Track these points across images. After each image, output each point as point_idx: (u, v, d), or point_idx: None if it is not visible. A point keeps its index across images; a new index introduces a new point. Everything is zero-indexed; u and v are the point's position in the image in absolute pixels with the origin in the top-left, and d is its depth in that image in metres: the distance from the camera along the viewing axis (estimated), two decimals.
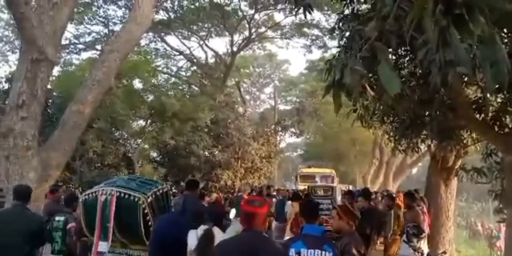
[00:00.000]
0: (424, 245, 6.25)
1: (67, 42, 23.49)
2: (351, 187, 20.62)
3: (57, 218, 5.44)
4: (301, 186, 19.21)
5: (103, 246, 4.12)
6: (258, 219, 2.79)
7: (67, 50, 24.04)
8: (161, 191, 4.46)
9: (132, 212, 4.17)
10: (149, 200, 4.23)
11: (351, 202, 7.10)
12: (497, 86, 2.38)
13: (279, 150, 24.34)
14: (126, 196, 4.16)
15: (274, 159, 22.25)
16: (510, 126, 5.02)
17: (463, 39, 1.84)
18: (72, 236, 5.26)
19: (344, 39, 3.66)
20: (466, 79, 4.91)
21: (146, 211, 4.20)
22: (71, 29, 28.14)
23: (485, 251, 14.56)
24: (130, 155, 16.93)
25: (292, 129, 23.91)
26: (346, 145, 31.21)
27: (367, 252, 4.78)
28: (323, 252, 3.25)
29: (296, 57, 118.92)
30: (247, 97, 37.55)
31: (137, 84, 18.34)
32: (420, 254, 6.09)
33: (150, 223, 4.20)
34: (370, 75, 3.36)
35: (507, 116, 5.07)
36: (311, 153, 38.90)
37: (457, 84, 4.14)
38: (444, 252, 7.88)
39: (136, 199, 4.16)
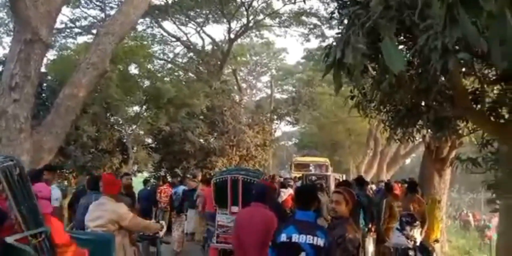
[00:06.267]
0: (417, 234, 6.29)
1: (63, 25, 23.20)
2: (344, 177, 20.73)
3: None
4: (295, 174, 19.26)
5: (234, 209, 6.13)
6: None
7: (63, 34, 23.70)
8: (262, 177, 6.79)
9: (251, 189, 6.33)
10: None
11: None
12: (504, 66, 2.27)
13: (274, 138, 24.30)
14: (248, 180, 6.25)
15: (269, 147, 22.23)
16: (506, 116, 5.01)
17: (470, 18, 1.76)
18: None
19: (345, 21, 3.57)
20: (464, 69, 4.88)
21: None
22: (67, 13, 27.87)
23: (475, 241, 14.73)
24: (124, 140, 16.82)
25: (288, 118, 23.87)
26: (341, 135, 31.20)
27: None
28: (316, 238, 3.13)
29: (293, 45, 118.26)
30: (244, 85, 37.27)
31: (133, 69, 18.16)
32: (413, 242, 6.13)
33: None
34: (373, 55, 3.27)
35: (504, 107, 5.05)
36: (306, 142, 38.92)
37: (456, 72, 4.10)
38: (437, 241, 7.92)
39: (254, 182, 6.30)
